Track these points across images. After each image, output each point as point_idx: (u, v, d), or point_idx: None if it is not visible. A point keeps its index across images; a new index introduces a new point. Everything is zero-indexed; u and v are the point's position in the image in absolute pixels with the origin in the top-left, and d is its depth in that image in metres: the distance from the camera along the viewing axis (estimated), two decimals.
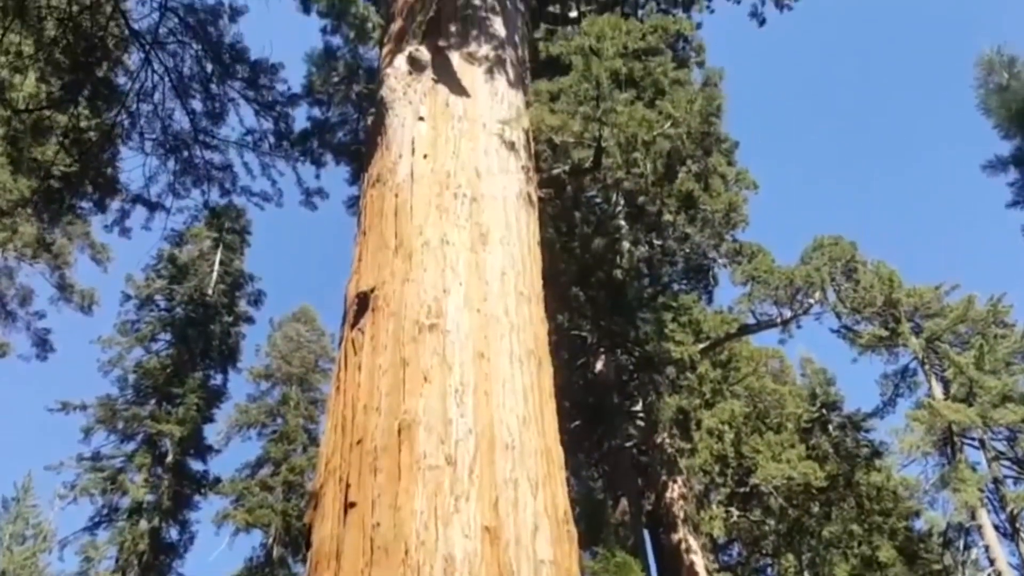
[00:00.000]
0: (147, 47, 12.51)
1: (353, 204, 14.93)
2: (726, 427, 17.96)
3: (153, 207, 14.57)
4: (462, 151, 8.06)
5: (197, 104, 13.76)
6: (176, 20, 12.89)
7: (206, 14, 13.32)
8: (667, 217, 16.99)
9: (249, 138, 14.36)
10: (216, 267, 32.15)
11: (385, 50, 9.42)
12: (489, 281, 6.84)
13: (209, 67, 13.54)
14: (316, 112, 15.04)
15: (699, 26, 15.77)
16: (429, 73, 9.02)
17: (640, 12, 14.47)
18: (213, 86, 13.70)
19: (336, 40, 15.14)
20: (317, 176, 15.23)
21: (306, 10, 13.97)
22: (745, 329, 19.78)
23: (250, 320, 33.02)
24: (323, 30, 15.16)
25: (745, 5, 16.49)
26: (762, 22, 16.21)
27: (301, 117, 15.02)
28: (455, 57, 9.17)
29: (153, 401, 29.31)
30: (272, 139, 14.51)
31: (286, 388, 34.04)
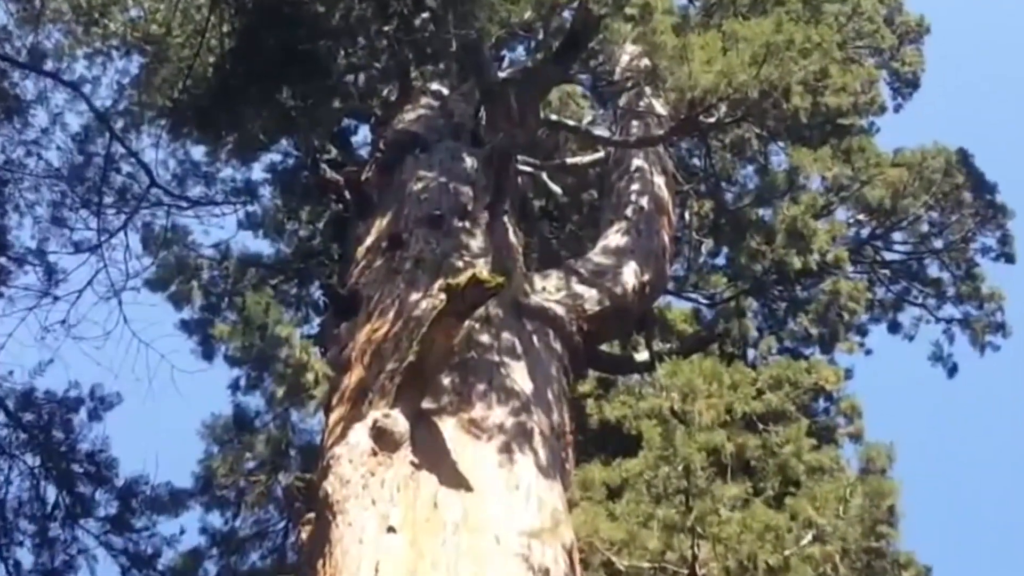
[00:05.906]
0: None
1: None
2: None
3: None
4: None
5: None
6: None
7: None
8: None
9: None
10: None
11: (334, 417, 6.19)
12: None
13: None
14: (215, 519, 10.48)
15: (848, 374, 10.90)
16: (406, 453, 5.85)
17: (752, 353, 10.52)
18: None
19: (254, 401, 10.78)
20: None
21: (208, 356, 10.10)
22: None
23: None
24: (233, 386, 10.68)
25: (921, 343, 12.17)
26: (952, 369, 12.04)
27: (191, 527, 10.16)
28: (449, 426, 6.05)
29: None
30: None
31: None
